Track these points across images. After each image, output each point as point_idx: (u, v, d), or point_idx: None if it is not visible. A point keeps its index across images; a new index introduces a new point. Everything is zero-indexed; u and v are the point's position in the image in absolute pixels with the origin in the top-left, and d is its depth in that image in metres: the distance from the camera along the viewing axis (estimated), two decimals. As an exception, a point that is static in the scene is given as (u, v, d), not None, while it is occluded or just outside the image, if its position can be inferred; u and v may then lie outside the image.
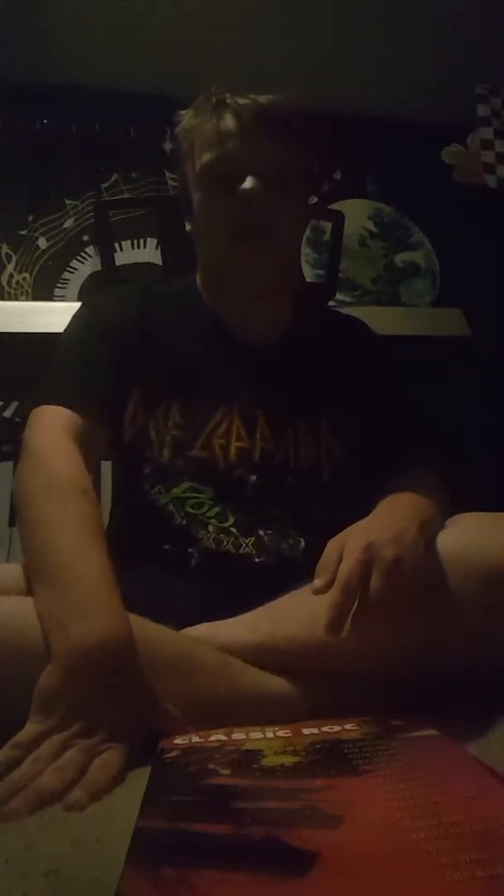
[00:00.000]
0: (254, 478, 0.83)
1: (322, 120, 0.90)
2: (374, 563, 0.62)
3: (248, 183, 0.80)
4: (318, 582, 0.64)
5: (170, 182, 1.98)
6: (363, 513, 0.84)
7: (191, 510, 0.81)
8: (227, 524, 0.80)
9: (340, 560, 0.64)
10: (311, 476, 0.85)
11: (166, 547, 0.80)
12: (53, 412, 0.80)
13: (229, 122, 0.81)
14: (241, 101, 0.82)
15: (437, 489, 0.82)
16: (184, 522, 0.81)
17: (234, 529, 0.80)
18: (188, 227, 0.92)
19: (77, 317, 0.91)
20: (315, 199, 2.24)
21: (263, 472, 0.83)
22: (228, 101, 0.82)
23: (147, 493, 0.83)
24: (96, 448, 0.83)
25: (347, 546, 0.65)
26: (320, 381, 0.91)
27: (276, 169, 0.82)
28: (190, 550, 0.79)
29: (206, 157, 0.83)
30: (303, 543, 0.81)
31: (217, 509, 0.81)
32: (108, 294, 0.94)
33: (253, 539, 0.80)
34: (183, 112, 0.87)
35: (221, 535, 0.80)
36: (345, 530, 0.70)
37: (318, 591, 0.63)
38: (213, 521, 0.80)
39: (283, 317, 0.93)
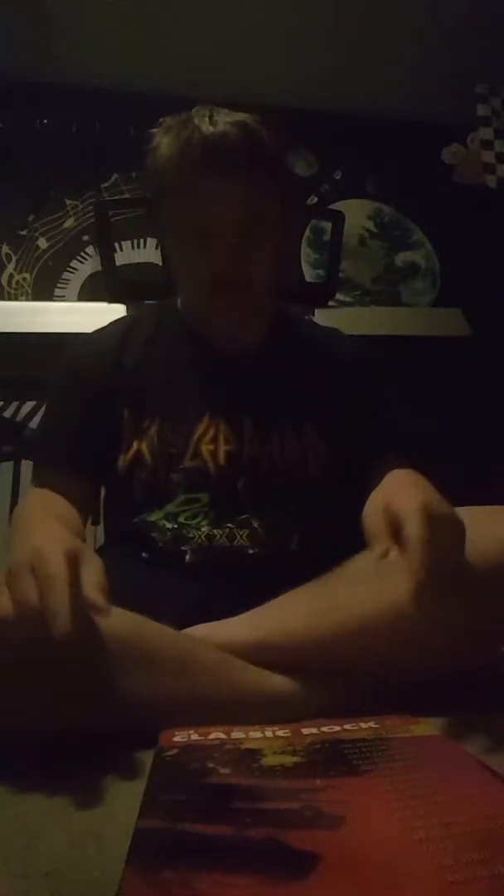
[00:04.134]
0: (243, 480, 0.84)
1: (299, 132, 0.90)
2: (435, 522, 0.60)
3: (223, 243, 0.80)
4: (380, 547, 0.61)
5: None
6: (352, 508, 0.85)
7: (183, 521, 0.83)
8: (221, 523, 0.82)
9: (391, 524, 0.62)
10: (297, 474, 0.87)
11: (160, 545, 0.82)
12: (43, 485, 0.85)
13: (197, 168, 0.78)
14: (210, 133, 0.78)
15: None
16: (175, 527, 0.82)
17: (229, 524, 0.82)
18: (163, 249, 0.97)
19: (57, 376, 0.94)
20: (315, 199, 2.25)
21: (252, 475, 0.85)
22: (196, 135, 0.78)
23: (139, 514, 0.84)
24: (86, 500, 0.88)
25: (402, 510, 0.61)
26: (300, 385, 0.92)
27: (247, 212, 0.81)
28: (183, 548, 0.80)
29: (180, 208, 0.82)
30: (297, 536, 0.83)
31: (211, 515, 0.82)
32: (87, 339, 0.95)
33: (247, 531, 0.81)
34: (156, 132, 0.83)
35: (215, 531, 0.81)
36: (373, 499, 0.70)
37: (384, 555, 0.61)
38: (205, 526, 0.82)
39: (262, 329, 0.95)
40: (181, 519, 0.82)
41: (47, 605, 0.52)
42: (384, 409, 0.98)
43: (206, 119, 0.79)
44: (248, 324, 0.91)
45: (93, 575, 0.57)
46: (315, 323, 1.10)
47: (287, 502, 0.85)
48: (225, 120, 0.79)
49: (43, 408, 0.96)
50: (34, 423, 1.70)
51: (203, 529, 0.81)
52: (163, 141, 0.82)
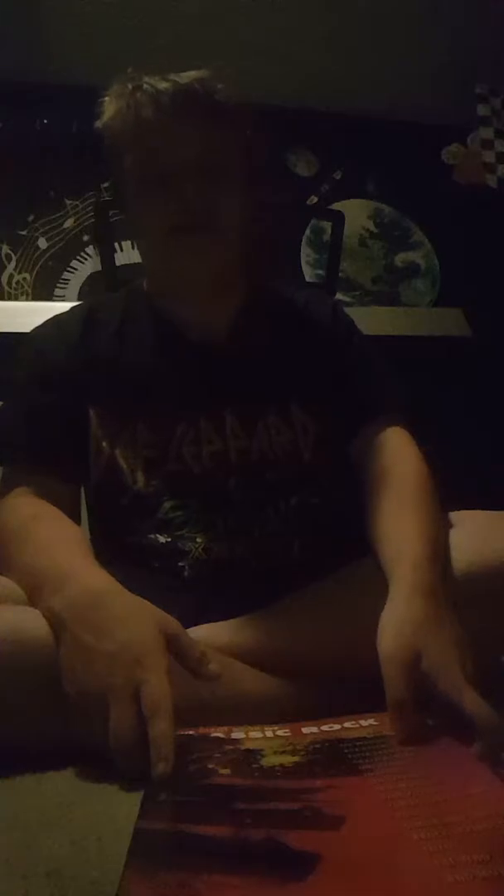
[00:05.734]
0: (233, 479, 0.79)
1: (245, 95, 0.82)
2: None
3: (180, 183, 0.77)
4: (404, 730, 0.53)
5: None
6: (349, 498, 0.82)
7: (176, 532, 0.77)
8: (217, 531, 0.76)
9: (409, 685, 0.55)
10: (291, 463, 0.81)
11: (155, 565, 0.76)
12: (17, 487, 0.79)
13: (150, 113, 0.76)
14: (159, 85, 0.77)
15: (424, 477, 0.79)
16: (169, 541, 0.77)
17: (226, 534, 0.76)
18: (125, 221, 0.89)
19: (18, 364, 0.88)
20: (315, 199, 2.25)
21: (243, 472, 0.79)
22: (146, 86, 0.77)
23: (127, 524, 0.79)
24: (66, 502, 0.81)
25: (447, 689, 0.53)
26: (279, 362, 0.86)
27: (206, 155, 0.78)
28: (181, 564, 0.75)
29: (132, 156, 0.79)
30: (297, 544, 0.78)
31: (204, 522, 0.77)
32: (49, 324, 0.90)
33: (246, 543, 0.76)
34: (102, 100, 0.82)
35: (212, 544, 0.76)
36: (393, 637, 0.59)
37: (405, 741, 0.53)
38: (199, 535, 0.76)
39: (233, 306, 0.89)
40: (174, 529, 0.77)
41: (152, 739, 0.49)
42: (369, 368, 0.91)
43: (157, 78, 0.79)
44: (217, 281, 0.84)
45: (192, 649, 0.57)
46: (295, 288, 1.01)
47: (284, 503, 0.79)
48: (177, 76, 0.79)
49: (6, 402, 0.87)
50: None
51: (199, 541, 0.76)
52: (112, 102, 0.81)
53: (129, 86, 0.79)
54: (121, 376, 0.84)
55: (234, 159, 0.81)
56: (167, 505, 0.78)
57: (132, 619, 0.58)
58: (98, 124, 0.82)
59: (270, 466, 0.80)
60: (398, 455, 0.82)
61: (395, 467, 0.80)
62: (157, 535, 0.77)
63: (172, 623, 0.59)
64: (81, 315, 0.89)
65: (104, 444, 0.81)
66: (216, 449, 0.80)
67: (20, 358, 0.88)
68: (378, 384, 0.90)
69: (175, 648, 0.57)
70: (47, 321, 0.91)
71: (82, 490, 0.86)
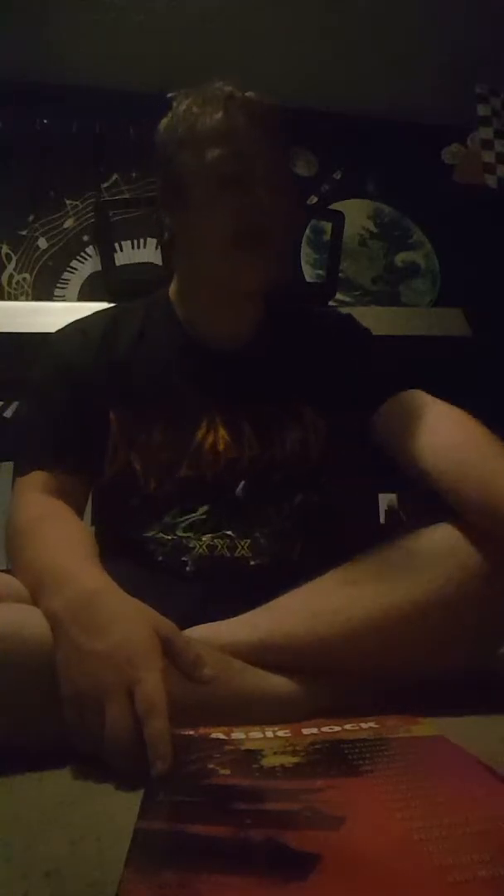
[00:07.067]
0: (243, 484, 0.81)
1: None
2: None
3: (261, 188, 0.78)
4: None
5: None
6: (353, 505, 0.84)
7: (182, 533, 0.80)
8: (222, 531, 0.79)
9: None
10: (299, 463, 0.83)
11: (160, 559, 0.79)
12: (30, 485, 0.80)
13: (240, 119, 0.78)
14: (248, 96, 0.80)
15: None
16: (174, 538, 0.80)
17: (230, 532, 0.79)
18: (167, 220, 0.87)
19: (40, 365, 0.89)
20: (315, 199, 2.25)
21: (253, 475, 0.82)
22: (237, 95, 0.79)
23: (135, 524, 0.82)
24: (78, 499, 0.83)
25: None
26: (295, 369, 0.88)
27: (280, 171, 0.81)
28: (184, 559, 0.78)
29: (215, 152, 0.79)
30: (299, 546, 0.81)
31: (210, 525, 0.79)
32: (72, 328, 0.91)
33: (249, 542, 0.79)
34: (180, 96, 0.83)
35: (216, 541, 0.79)
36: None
37: None
38: (205, 536, 0.79)
39: (254, 316, 0.91)
40: (179, 532, 0.79)
41: (148, 738, 0.49)
42: (373, 364, 0.92)
43: (239, 89, 0.81)
44: (258, 291, 0.87)
45: (187, 652, 0.57)
46: (314, 308, 1.04)
47: (289, 496, 0.82)
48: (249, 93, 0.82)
49: (25, 403, 0.89)
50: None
51: (204, 539, 0.79)
52: (191, 102, 0.82)
53: (222, 91, 0.81)
54: (141, 381, 0.85)
55: (292, 180, 0.85)
56: (176, 510, 0.80)
57: (126, 619, 0.58)
58: (176, 115, 0.83)
59: (278, 468, 0.83)
60: (435, 404, 0.85)
61: (436, 409, 0.84)
62: (163, 535, 0.80)
63: (167, 625, 0.59)
64: (104, 320, 0.90)
65: (122, 446, 0.83)
66: (233, 455, 0.81)
67: (42, 361, 0.89)
68: (380, 375, 0.91)
69: (169, 651, 0.57)
70: (70, 325, 0.91)
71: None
